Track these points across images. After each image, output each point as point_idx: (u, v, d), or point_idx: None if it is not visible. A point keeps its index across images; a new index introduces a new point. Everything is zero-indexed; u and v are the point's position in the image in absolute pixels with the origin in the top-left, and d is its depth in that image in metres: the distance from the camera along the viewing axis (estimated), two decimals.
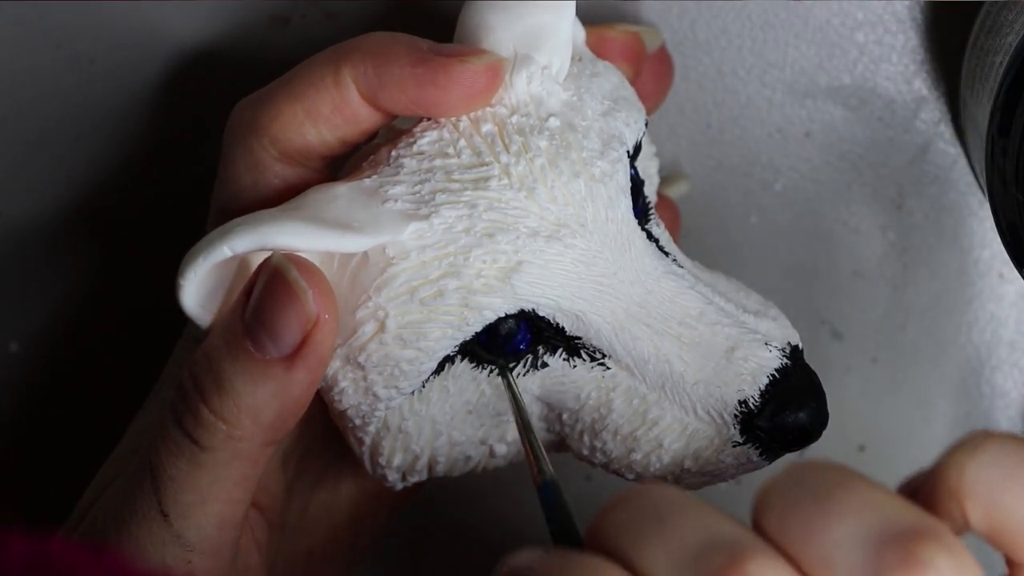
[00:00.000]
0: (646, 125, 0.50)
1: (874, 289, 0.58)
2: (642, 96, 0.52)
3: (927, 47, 0.57)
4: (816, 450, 0.59)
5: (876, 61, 0.57)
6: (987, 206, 0.51)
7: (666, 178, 0.57)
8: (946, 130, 0.57)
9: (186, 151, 0.57)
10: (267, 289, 0.45)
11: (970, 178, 0.57)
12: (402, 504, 0.55)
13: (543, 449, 0.47)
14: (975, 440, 0.40)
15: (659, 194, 0.55)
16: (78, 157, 0.57)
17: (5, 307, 0.59)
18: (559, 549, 0.42)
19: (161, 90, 0.57)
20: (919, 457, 0.59)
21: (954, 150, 0.57)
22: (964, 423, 0.59)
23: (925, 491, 0.40)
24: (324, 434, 0.51)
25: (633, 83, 0.51)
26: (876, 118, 0.57)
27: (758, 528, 0.39)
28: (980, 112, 0.51)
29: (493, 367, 0.48)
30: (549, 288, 0.46)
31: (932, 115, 0.57)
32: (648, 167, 0.52)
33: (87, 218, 0.58)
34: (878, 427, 0.59)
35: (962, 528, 0.39)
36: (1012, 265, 0.50)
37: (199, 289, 0.46)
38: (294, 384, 0.46)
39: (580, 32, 0.51)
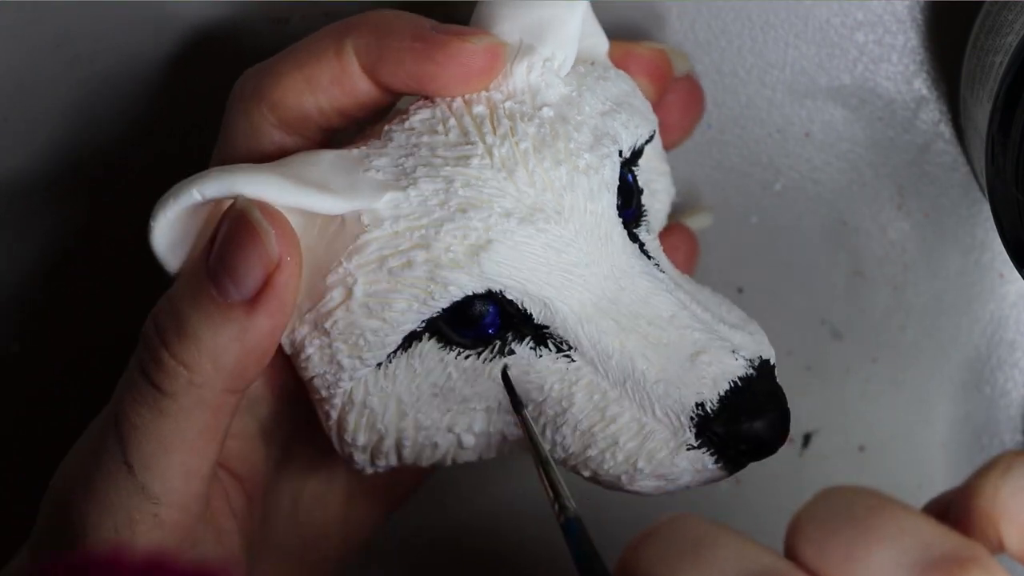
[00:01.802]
0: (652, 137, 0.50)
1: (874, 289, 0.58)
2: (666, 126, 0.52)
3: (927, 47, 0.57)
4: (816, 450, 0.59)
5: (876, 61, 0.57)
6: (987, 206, 0.51)
7: (689, 209, 0.57)
8: (946, 130, 0.57)
9: (186, 150, 0.57)
10: (230, 231, 0.46)
11: (970, 178, 0.57)
12: (397, 501, 0.55)
13: (564, 485, 0.47)
14: (1007, 461, 0.40)
15: (680, 224, 0.55)
16: (78, 157, 0.57)
17: (5, 307, 0.59)
18: None
19: (161, 90, 0.57)
20: (919, 457, 0.59)
21: (954, 150, 0.57)
22: (964, 423, 0.59)
23: (956, 513, 0.40)
24: (315, 419, 0.51)
25: (658, 107, 0.51)
26: (876, 118, 0.57)
27: (793, 556, 0.39)
28: (980, 112, 0.51)
29: (461, 349, 0.48)
30: (517, 271, 0.46)
31: (932, 115, 0.57)
32: (654, 181, 0.52)
33: (87, 217, 0.58)
34: (878, 427, 0.59)
35: (996, 550, 0.39)
36: (1012, 265, 0.50)
37: (169, 233, 0.47)
38: (255, 328, 0.46)
39: (603, 43, 0.51)
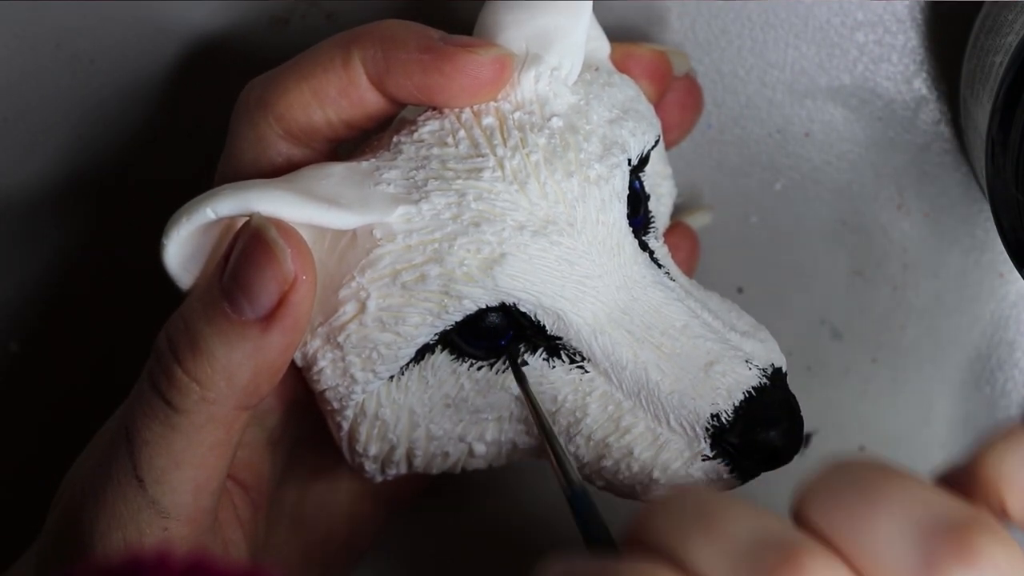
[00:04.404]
0: (657, 141, 0.50)
1: (874, 289, 0.58)
2: (665, 126, 0.52)
3: (927, 47, 0.57)
4: (817, 451, 0.59)
5: (876, 61, 0.57)
6: (987, 206, 0.51)
7: (689, 207, 0.57)
8: (946, 130, 0.57)
9: (187, 151, 0.57)
10: (246, 249, 0.46)
11: (970, 178, 0.57)
12: (402, 503, 0.55)
13: (569, 457, 0.47)
14: (1012, 431, 0.40)
15: (681, 222, 0.55)
16: (78, 157, 0.57)
17: (5, 307, 0.59)
18: (600, 555, 0.41)
19: (161, 91, 0.57)
20: (919, 457, 0.59)
21: (954, 150, 0.57)
22: (964, 423, 0.59)
23: (961, 484, 0.40)
24: (321, 426, 0.51)
25: (657, 107, 0.51)
26: (876, 118, 0.57)
27: (801, 525, 0.39)
28: (980, 112, 0.51)
29: (473, 361, 0.48)
30: (531, 283, 0.46)
31: (932, 115, 0.57)
32: (659, 185, 0.52)
33: (87, 218, 0.58)
34: (878, 427, 0.59)
35: (1000, 519, 0.39)
36: (1012, 265, 0.50)
37: (182, 250, 0.46)
38: (269, 346, 0.46)
39: (605, 46, 0.51)
